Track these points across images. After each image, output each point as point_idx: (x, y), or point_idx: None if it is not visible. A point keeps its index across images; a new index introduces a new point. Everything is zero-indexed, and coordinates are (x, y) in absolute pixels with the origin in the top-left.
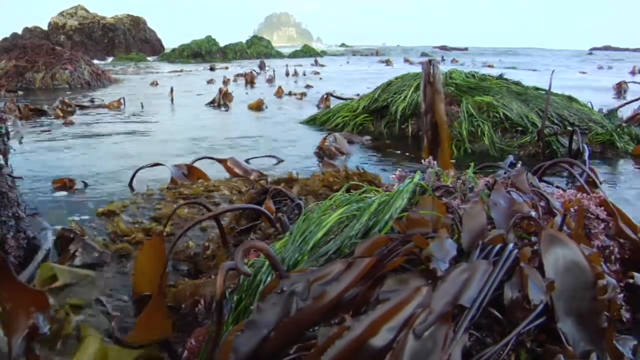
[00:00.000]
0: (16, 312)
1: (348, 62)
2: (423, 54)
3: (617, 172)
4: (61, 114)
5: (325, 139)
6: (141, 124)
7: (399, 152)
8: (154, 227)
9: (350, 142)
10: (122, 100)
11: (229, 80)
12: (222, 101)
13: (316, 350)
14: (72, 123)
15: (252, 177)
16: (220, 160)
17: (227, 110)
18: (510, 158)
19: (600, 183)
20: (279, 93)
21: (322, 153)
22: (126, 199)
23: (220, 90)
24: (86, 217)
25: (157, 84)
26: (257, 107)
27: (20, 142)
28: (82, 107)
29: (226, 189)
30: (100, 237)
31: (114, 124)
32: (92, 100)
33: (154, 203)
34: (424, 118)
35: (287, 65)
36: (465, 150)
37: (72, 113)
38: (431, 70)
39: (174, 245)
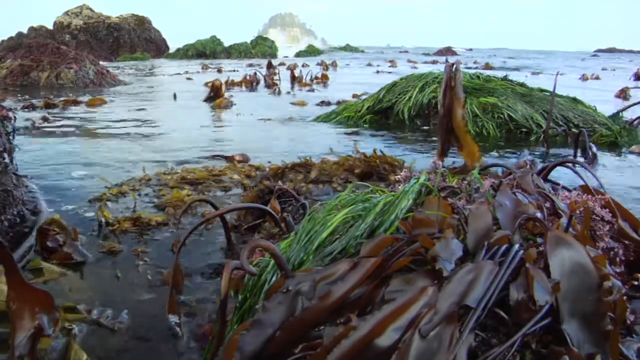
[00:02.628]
0: (21, 312)
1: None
2: (427, 55)
3: (623, 173)
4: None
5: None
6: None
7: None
8: (142, 215)
9: None
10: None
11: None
12: None
13: (322, 350)
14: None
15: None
16: (227, 158)
17: None
18: (526, 152)
19: (602, 187)
20: None
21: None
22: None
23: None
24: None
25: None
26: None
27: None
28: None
29: (235, 173)
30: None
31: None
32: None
33: (155, 189)
34: (441, 122)
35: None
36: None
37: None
38: (452, 75)
39: (183, 243)
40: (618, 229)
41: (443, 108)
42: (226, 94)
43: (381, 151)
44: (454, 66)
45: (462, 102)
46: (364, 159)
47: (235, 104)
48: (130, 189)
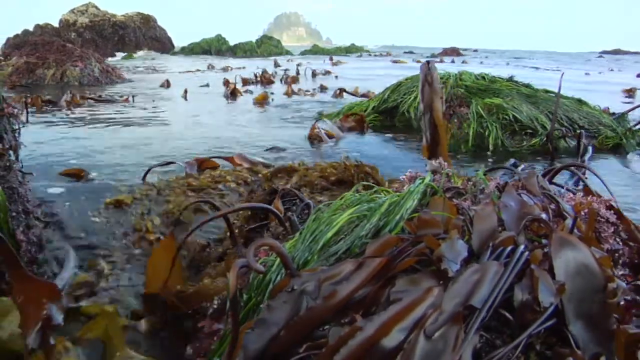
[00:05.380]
0: (28, 305)
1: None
2: (433, 55)
3: (627, 175)
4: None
5: (314, 126)
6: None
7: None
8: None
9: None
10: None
11: None
12: None
13: (328, 350)
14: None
15: (257, 167)
16: (227, 159)
17: None
18: (511, 161)
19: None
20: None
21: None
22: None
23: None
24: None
25: None
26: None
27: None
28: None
29: (232, 179)
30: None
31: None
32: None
33: (164, 195)
34: (423, 118)
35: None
36: (474, 152)
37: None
38: (429, 72)
39: (184, 240)
40: (627, 230)
41: (422, 104)
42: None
43: (356, 160)
44: (429, 64)
45: (440, 96)
46: (344, 167)
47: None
48: (143, 195)
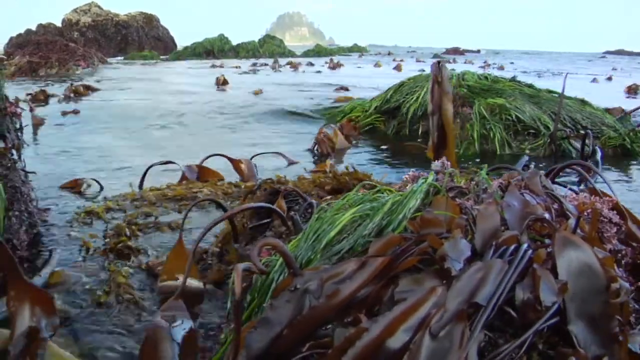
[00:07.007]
0: (21, 312)
1: None
2: (435, 56)
3: (630, 175)
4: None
5: (321, 129)
6: None
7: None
8: None
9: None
10: None
11: None
12: None
13: (335, 352)
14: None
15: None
16: (232, 160)
17: None
18: (525, 158)
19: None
20: None
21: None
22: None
23: None
24: None
25: None
26: None
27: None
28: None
29: (210, 190)
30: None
31: None
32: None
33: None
34: (431, 119)
35: None
36: (477, 152)
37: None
38: (439, 72)
39: (197, 245)
40: (627, 231)
41: (432, 105)
42: None
43: (353, 167)
44: (440, 63)
45: (450, 97)
46: (333, 176)
47: None
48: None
